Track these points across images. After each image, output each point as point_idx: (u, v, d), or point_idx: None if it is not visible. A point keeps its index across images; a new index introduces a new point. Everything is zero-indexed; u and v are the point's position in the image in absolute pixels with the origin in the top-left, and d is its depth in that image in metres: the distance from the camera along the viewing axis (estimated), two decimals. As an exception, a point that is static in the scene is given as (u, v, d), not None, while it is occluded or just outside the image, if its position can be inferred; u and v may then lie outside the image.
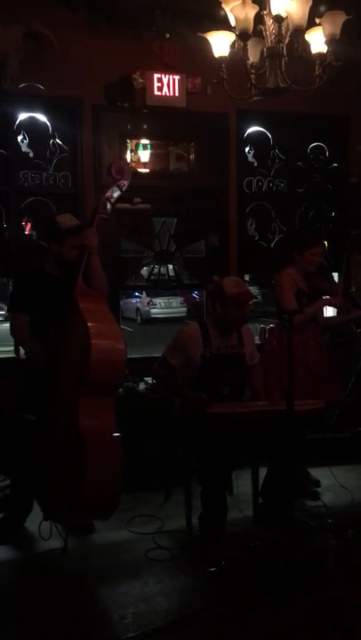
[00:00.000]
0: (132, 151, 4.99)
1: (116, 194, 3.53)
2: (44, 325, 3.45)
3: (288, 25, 3.29)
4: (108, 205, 3.51)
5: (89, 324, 3.13)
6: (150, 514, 3.82)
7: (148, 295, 16.75)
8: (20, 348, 4.09)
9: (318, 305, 4.13)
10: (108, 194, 3.50)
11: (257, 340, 5.21)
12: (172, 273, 5.21)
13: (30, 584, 3.10)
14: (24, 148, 4.67)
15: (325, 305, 4.18)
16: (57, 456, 3.17)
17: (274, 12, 3.27)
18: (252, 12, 3.28)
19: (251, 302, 3.75)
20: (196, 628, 2.67)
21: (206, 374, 3.59)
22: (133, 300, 17.19)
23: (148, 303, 17.09)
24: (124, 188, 3.54)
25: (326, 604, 2.80)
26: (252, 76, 3.44)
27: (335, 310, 4.63)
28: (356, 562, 3.12)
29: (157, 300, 17.05)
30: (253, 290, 14.72)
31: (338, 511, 3.85)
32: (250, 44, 3.39)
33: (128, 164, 4.77)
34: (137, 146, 4.99)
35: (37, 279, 3.62)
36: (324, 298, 4.24)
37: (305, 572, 2.96)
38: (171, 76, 4.80)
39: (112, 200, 3.52)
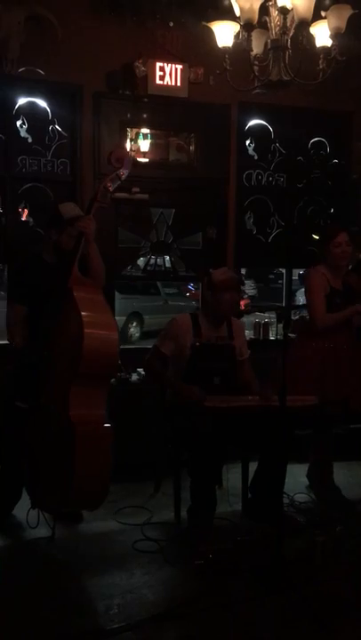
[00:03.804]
0: (131, 140, 4.95)
1: (116, 183, 3.48)
2: (40, 314, 3.42)
3: (293, 17, 3.27)
4: (107, 194, 3.46)
5: (82, 313, 3.10)
6: (139, 505, 3.82)
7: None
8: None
9: (348, 311, 3.80)
10: (106, 182, 3.46)
11: (251, 335, 5.23)
12: (168, 264, 5.18)
13: (16, 572, 3.08)
14: (23, 134, 4.62)
15: (358, 311, 3.83)
16: (48, 445, 3.16)
17: (279, 4, 3.25)
18: (257, 2, 3.27)
19: (245, 296, 3.74)
20: (182, 621, 2.66)
21: (196, 364, 3.61)
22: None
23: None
24: (124, 177, 3.49)
25: (314, 599, 2.80)
26: (256, 67, 3.42)
27: None
28: (343, 558, 3.13)
29: (152, 291, 16.99)
30: (249, 284, 14.71)
31: (327, 507, 3.85)
32: (254, 35, 3.38)
33: (128, 152, 4.72)
34: (137, 135, 4.94)
35: (35, 267, 3.58)
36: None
37: (293, 567, 2.96)
38: (173, 66, 4.76)
39: (111, 189, 3.47)
